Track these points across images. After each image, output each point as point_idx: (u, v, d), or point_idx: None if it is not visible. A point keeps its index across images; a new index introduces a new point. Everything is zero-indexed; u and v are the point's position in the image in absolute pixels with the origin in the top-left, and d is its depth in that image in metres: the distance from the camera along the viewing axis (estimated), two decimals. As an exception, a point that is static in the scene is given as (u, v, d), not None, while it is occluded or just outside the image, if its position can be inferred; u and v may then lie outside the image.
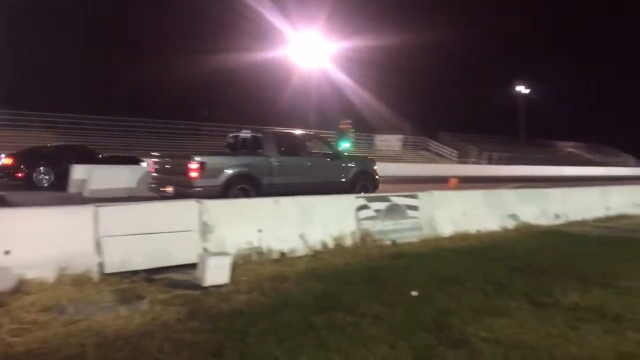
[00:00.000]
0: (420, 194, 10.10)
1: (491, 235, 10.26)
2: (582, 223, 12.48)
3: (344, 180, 13.62)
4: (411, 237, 9.41)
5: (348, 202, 9.12)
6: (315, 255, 7.85)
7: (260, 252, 7.50)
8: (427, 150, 48.08)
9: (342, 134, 24.73)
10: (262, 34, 39.32)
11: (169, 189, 11.58)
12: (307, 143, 14.27)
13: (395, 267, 7.19)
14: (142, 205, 7.62)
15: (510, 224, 11.14)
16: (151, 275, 6.39)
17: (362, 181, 14.03)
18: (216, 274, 6.16)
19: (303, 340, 4.47)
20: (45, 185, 17.06)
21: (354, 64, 43.30)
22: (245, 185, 11.78)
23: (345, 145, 24.99)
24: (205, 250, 6.95)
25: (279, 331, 4.65)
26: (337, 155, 14.06)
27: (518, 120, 62.02)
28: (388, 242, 8.99)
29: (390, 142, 46.40)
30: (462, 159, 47.50)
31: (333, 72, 42.49)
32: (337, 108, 42.61)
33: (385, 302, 5.58)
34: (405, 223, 9.56)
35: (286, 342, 4.44)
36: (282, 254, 7.67)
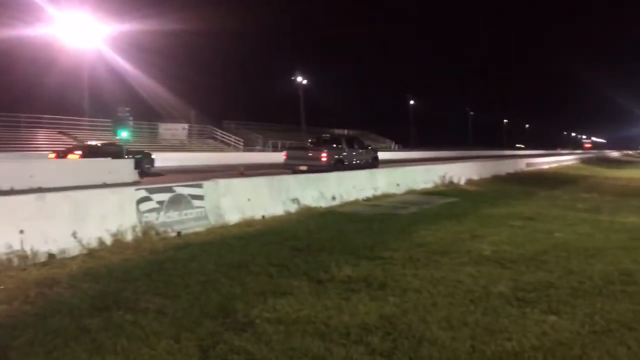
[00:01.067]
0: (205, 183, 10.04)
1: (276, 219, 10.73)
2: (355, 203, 13.82)
3: (370, 161, 23.13)
4: (197, 227, 9.31)
5: (128, 195, 8.59)
6: (91, 254, 7.24)
7: (23, 256, 6.64)
8: (214, 139, 48.04)
9: (119, 123, 23.12)
10: (18, 9, 34.38)
11: (303, 167, 19.63)
12: (357, 141, 24.67)
13: (180, 259, 7.04)
14: None
15: (293, 208, 11.80)
16: None
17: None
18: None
19: (75, 347, 4.09)
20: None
21: (136, 50, 40.82)
22: (340, 164, 20.31)
23: (123, 135, 23.47)
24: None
25: (47, 341, 4.19)
26: (366, 147, 24.50)
27: (299, 109, 65.94)
28: (173, 234, 8.75)
29: (175, 130, 45.16)
30: (249, 147, 48.62)
31: (112, 58, 39.50)
32: (117, 95, 39.72)
33: (169, 294, 5.43)
34: (190, 213, 9.41)
35: (56, 351, 4.02)
36: (51, 256, 6.91)
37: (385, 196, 15.37)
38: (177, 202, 9.20)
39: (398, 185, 16.80)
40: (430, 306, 5.14)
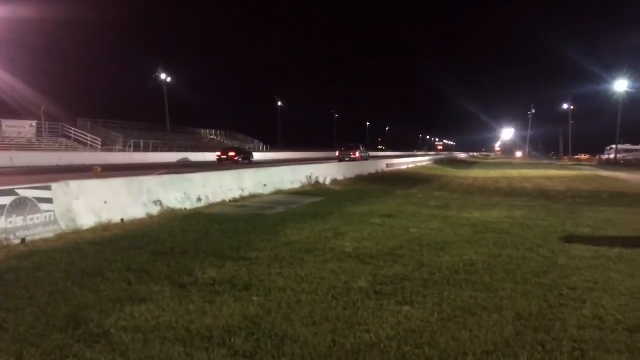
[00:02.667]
0: (54, 185, 9.25)
1: (136, 222, 10.21)
2: (222, 204, 13.64)
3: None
4: (46, 233, 8.55)
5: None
6: None
7: None
8: (67, 137, 44.44)
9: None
10: None
11: (347, 159, 41.33)
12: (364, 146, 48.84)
13: (24, 268, 6.40)
14: None
15: (156, 210, 11.32)
16: None
17: None
18: None
19: None
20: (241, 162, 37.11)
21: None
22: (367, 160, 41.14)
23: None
24: None
25: None
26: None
27: (164, 107, 63.51)
28: (17, 242, 7.95)
29: (22, 128, 41.04)
30: (107, 146, 45.70)
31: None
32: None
33: (11, 308, 4.91)
34: (37, 218, 8.60)
35: None
36: None
37: (252, 197, 15.36)
38: (21, 206, 8.35)
39: (265, 185, 16.89)
40: (294, 304, 5.23)
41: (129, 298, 5.30)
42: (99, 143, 45.10)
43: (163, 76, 62.60)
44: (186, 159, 44.19)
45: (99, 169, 21.14)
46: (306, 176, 20.31)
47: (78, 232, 8.92)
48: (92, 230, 9.20)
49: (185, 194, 12.78)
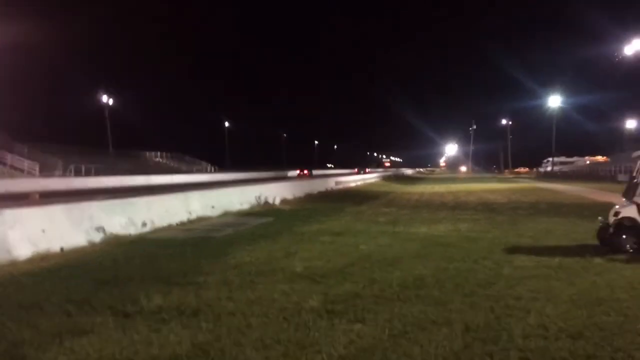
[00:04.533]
0: (-14, 214, 8.77)
1: (77, 251, 9.79)
2: (168, 228, 13.31)
3: None
4: (-22, 265, 8.07)
5: None
6: None
7: None
8: (3, 164, 42.39)
9: None
10: None
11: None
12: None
13: (-48, 305, 6.01)
14: None
15: (98, 237, 10.90)
16: None
17: None
18: None
19: None
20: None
21: None
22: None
23: None
24: None
25: None
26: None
27: (106, 130, 61.71)
28: (-55, 276, 7.46)
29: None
30: (46, 172, 43.83)
31: None
32: None
33: (-63, 349, 4.59)
34: (-32, 250, 8.12)
35: None
36: None
37: (200, 219, 15.09)
38: (-51, 238, 7.86)
39: (213, 207, 16.64)
40: (245, 328, 5.13)
41: (69, 331, 5.03)
42: (36, 168, 43.27)
43: (105, 98, 61.04)
44: (130, 183, 42.98)
45: (37, 196, 20.27)
46: (255, 196, 20.13)
47: (14, 264, 8.45)
48: (29, 260, 8.74)
49: (129, 218, 12.38)
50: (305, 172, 70.80)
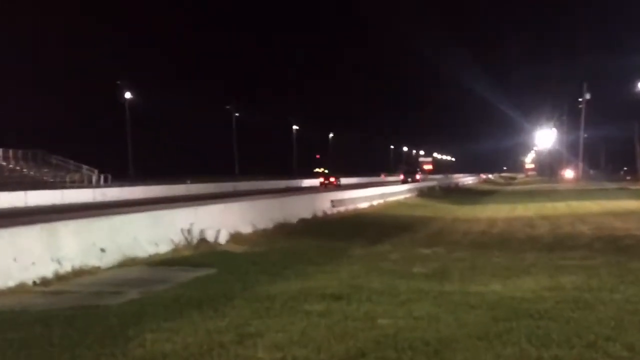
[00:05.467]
0: None
1: None
2: (18, 290, 13.03)
3: None
4: None
5: None
6: None
7: None
8: None
9: None
10: None
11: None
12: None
13: None
14: None
15: None
16: None
17: None
18: None
19: None
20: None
21: None
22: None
23: None
24: None
25: None
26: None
27: None
28: None
29: None
30: None
31: None
32: None
33: None
34: None
35: None
36: None
37: (79, 273, 14.91)
38: None
39: (104, 251, 16.47)
40: None
41: None
42: None
43: None
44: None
45: None
46: (182, 229, 19.93)
47: None
48: None
49: None
50: (332, 180, 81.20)
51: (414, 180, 62.98)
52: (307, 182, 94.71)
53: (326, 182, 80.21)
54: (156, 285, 13.64)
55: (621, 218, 29.80)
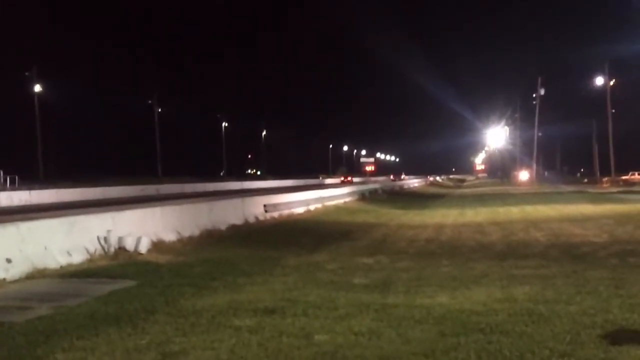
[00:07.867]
0: None
1: None
2: None
3: None
4: None
5: None
6: None
7: None
8: None
9: None
10: None
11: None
12: None
13: None
14: None
15: None
16: None
17: None
18: None
19: None
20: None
21: None
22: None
23: None
24: None
25: None
26: None
27: None
28: None
29: None
30: None
31: None
32: None
33: None
34: None
35: None
36: None
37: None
38: None
39: (9, 261, 16.10)
40: None
41: None
42: None
43: None
44: None
45: None
46: (98, 236, 19.55)
47: None
48: None
49: None
50: (349, 178, 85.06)
51: (399, 179, 69.35)
52: (237, 185, 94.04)
53: (345, 180, 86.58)
54: (68, 300, 13.25)
55: (578, 224, 30.07)
